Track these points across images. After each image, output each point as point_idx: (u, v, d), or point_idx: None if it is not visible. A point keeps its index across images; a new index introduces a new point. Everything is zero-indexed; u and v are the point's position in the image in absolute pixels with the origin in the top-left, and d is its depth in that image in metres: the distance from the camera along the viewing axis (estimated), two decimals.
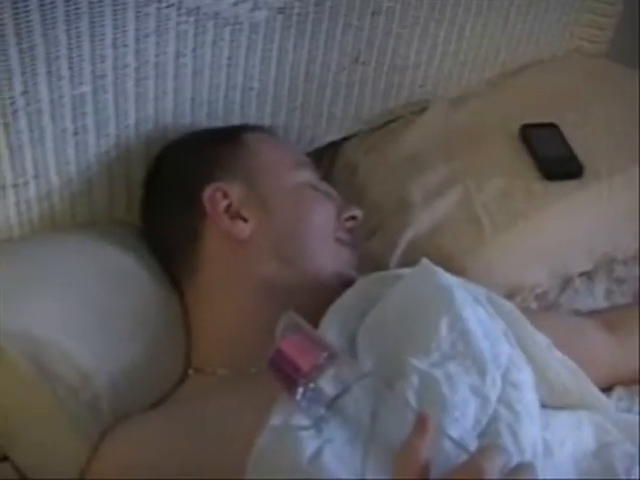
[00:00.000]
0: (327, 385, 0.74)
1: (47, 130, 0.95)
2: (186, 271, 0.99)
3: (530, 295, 1.15)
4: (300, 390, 0.74)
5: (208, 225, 0.97)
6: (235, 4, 1.01)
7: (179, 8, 0.97)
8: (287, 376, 0.75)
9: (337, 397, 0.73)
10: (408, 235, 1.12)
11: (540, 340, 0.86)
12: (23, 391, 0.86)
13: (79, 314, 0.91)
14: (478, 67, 1.34)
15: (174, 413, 0.88)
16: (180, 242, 0.99)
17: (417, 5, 1.19)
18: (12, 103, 0.90)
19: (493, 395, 0.77)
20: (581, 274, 1.19)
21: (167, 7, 0.96)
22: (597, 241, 1.18)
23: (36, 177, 0.97)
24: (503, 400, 0.77)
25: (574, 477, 0.79)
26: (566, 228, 1.15)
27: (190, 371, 0.95)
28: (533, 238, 1.13)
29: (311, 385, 0.74)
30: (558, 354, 0.87)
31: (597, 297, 1.17)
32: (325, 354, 0.75)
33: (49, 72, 0.91)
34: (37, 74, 0.90)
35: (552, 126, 1.22)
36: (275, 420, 0.74)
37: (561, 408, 0.86)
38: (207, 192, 0.97)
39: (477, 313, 0.84)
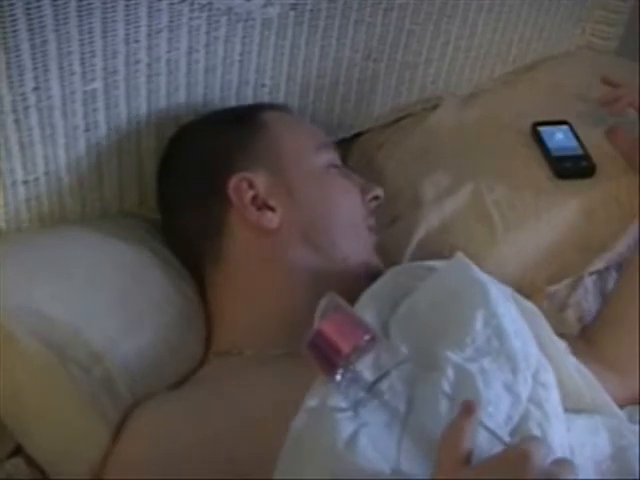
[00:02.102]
0: (367, 368, 0.73)
1: (58, 126, 0.94)
2: (209, 260, 0.97)
3: (541, 294, 1.14)
4: (340, 372, 0.73)
5: (233, 215, 0.95)
6: (248, 0, 1.01)
7: (192, 4, 0.96)
8: (327, 357, 0.74)
9: (377, 381, 0.72)
10: (420, 232, 1.12)
11: (558, 343, 0.86)
12: (34, 371, 0.85)
13: (89, 298, 0.90)
14: (489, 63, 1.33)
15: (199, 392, 0.87)
16: (202, 231, 0.97)
17: (430, 1, 1.18)
18: (24, 99, 0.89)
19: (524, 393, 0.77)
20: (591, 273, 1.19)
21: (180, 3, 0.95)
22: (608, 240, 1.18)
23: (47, 174, 0.96)
24: (534, 399, 0.77)
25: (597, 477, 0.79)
26: (577, 227, 1.14)
27: (211, 354, 0.94)
28: (544, 237, 1.13)
29: (351, 367, 0.73)
30: (573, 360, 0.87)
31: (608, 295, 1.17)
32: (367, 337, 0.74)
33: (61, 68, 0.90)
34: (49, 70, 0.89)
35: (564, 123, 1.21)
36: (311, 401, 0.73)
37: (576, 412, 0.85)
38: (232, 183, 0.95)
39: (510, 311, 0.84)
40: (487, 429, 0.68)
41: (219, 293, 0.97)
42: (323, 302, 0.78)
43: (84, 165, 0.99)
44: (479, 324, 0.80)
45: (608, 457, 0.82)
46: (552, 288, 1.15)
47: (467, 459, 0.64)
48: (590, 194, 1.14)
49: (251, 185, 0.95)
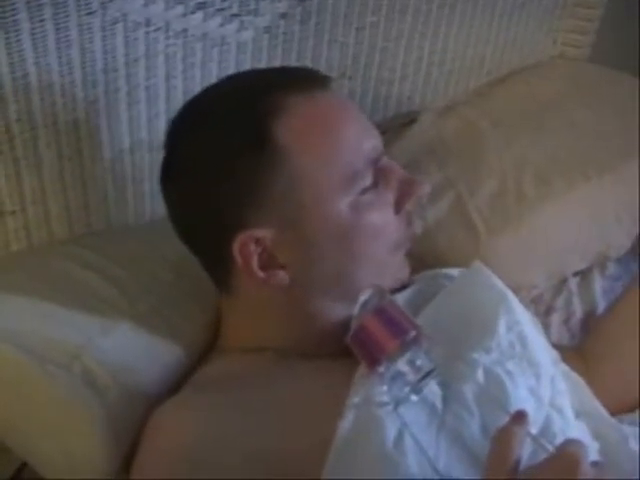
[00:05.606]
0: (412, 365, 0.72)
1: (44, 156, 0.96)
2: (219, 284, 0.91)
3: (526, 298, 1.16)
4: (382, 367, 0.72)
5: (239, 271, 0.85)
6: (222, 25, 1.03)
7: (167, 31, 0.99)
8: (370, 353, 0.73)
9: (424, 378, 0.71)
10: None
11: (550, 352, 0.88)
12: (13, 377, 0.85)
13: (59, 305, 0.89)
14: (464, 77, 1.36)
15: (222, 385, 0.84)
16: (211, 264, 0.90)
17: (400, 19, 1.21)
18: (7, 131, 0.91)
19: (546, 398, 0.78)
20: (575, 273, 1.21)
21: (155, 31, 0.98)
22: (590, 240, 1.19)
23: (34, 203, 0.98)
24: (554, 405, 0.78)
25: None
26: (559, 229, 1.16)
27: (223, 346, 0.92)
28: (527, 240, 1.14)
29: (394, 363, 0.72)
30: (565, 367, 0.89)
31: (592, 296, 1.18)
32: (412, 333, 0.72)
33: (42, 99, 0.92)
34: (31, 101, 0.91)
35: None
36: (356, 398, 0.74)
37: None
38: (237, 243, 0.82)
39: (526, 318, 0.86)
40: (530, 435, 0.68)
41: (231, 312, 0.92)
42: (367, 293, 0.75)
43: (70, 193, 1.01)
44: (502, 329, 0.82)
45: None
46: (536, 291, 1.17)
47: (516, 467, 0.64)
48: (569, 196, 1.16)
49: (258, 242, 0.82)
